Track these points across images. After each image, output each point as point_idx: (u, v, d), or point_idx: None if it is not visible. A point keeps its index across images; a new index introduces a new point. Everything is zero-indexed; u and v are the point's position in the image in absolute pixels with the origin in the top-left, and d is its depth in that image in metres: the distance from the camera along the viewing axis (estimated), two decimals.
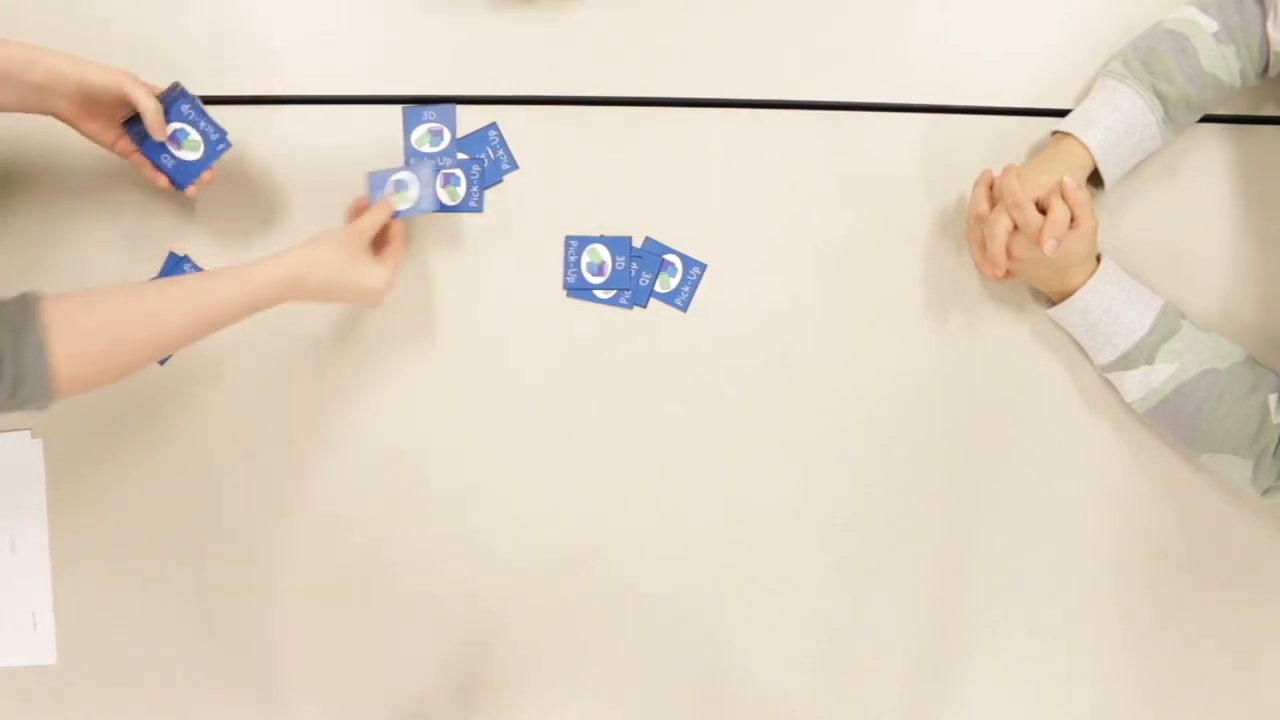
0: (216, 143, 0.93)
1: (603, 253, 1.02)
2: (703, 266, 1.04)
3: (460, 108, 1.01)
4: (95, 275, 1.00)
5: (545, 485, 1.05)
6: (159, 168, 0.93)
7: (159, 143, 0.91)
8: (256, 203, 1.01)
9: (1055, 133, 0.99)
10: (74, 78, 0.85)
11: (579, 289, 1.03)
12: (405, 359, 1.03)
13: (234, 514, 1.03)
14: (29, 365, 0.74)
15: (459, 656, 1.06)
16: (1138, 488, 1.07)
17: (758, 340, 1.04)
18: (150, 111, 0.88)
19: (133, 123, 0.91)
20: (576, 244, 1.02)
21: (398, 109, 1.01)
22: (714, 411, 1.05)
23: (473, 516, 1.04)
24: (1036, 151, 1.03)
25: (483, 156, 1.01)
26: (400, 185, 0.96)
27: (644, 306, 1.04)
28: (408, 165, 1.00)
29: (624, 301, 1.03)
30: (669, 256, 1.03)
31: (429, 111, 1.01)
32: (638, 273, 1.03)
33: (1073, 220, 0.92)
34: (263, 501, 1.03)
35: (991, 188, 0.97)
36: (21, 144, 0.98)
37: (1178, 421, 0.97)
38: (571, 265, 1.02)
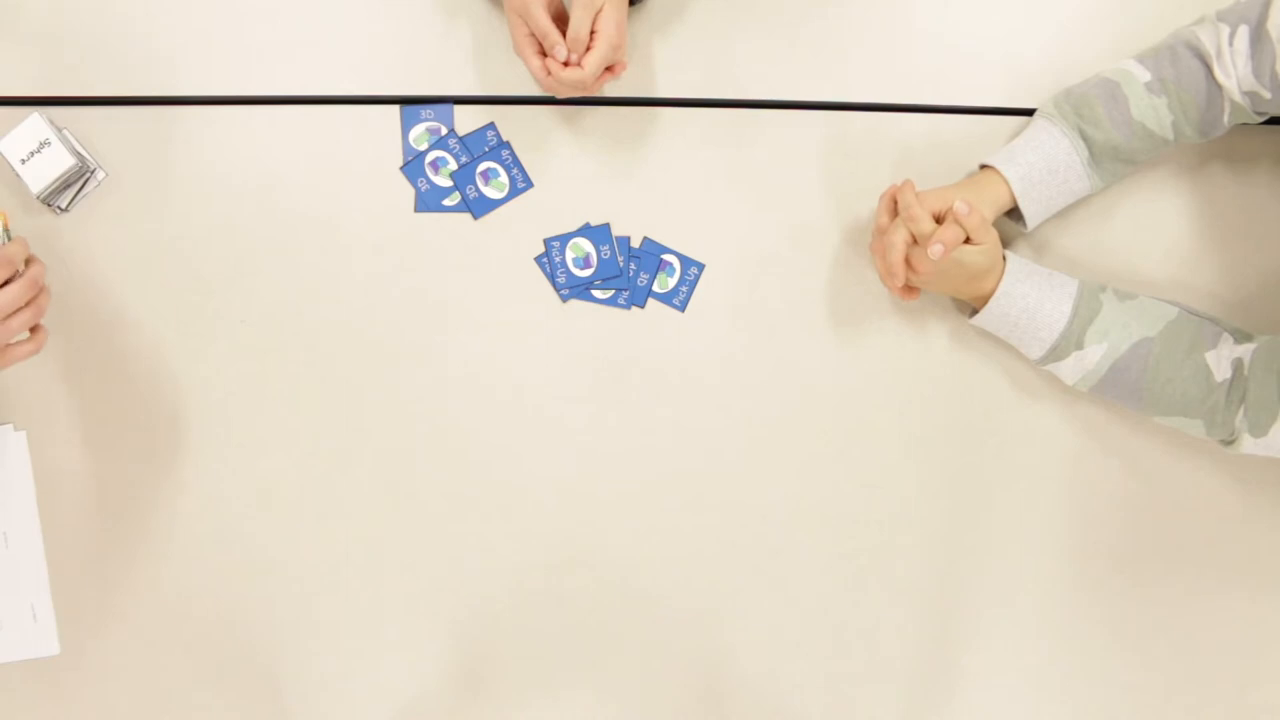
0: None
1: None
2: (701, 266, 1.03)
3: (459, 107, 1.01)
4: (95, 273, 1.01)
5: (544, 485, 1.05)
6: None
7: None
8: (256, 202, 1.01)
9: (983, 166, 0.98)
10: None
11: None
12: (404, 359, 1.03)
13: (233, 510, 1.03)
14: None
15: (459, 656, 1.06)
16: (1140, 487, 1.06)
17: (756, 340, 1.04)
18: None
19: None
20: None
21: (396, 109, 1.01)
22: (712, 411, 1.04)
23: (472, 516, 1.04)
24: None
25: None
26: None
27: (642, 307, 1.03)
28: None
29: (622, 302, 1.03)
30: (667, 256, 1.03)
31: (427, 110, 1.01)
32: (636, 272, 1.03)
33: (969, 240, 0.91)
34: (261, 500, 1.03)
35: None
36: None
37: (1120, 394, 0.96)
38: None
